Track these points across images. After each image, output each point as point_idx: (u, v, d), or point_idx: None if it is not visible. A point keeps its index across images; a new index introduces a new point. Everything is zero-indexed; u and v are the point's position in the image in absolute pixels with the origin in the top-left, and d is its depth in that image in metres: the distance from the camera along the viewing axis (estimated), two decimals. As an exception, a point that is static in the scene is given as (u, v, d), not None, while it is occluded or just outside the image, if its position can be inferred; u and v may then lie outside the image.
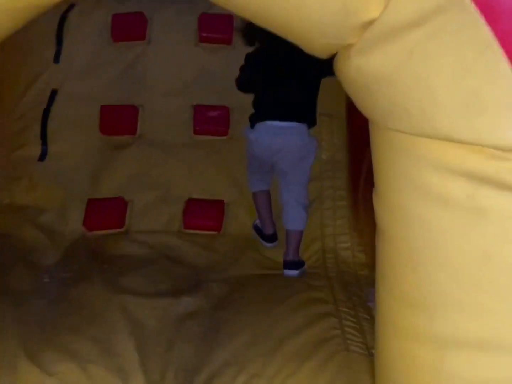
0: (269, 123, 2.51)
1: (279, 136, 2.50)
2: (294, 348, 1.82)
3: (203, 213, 2.87)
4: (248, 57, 2.61)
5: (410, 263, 0.96)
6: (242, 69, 2.64)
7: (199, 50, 3.22)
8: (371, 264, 2.57)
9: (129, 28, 3.21)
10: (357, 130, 2.82)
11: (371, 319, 2.11)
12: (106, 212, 2.85)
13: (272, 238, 2.75)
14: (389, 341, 1.05)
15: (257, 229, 2.81)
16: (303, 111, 2.56)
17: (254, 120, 2.56)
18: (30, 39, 3.22)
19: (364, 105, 0.99)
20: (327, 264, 2.57)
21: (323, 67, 2.47)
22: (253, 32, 2.49)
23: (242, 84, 2.66)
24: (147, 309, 2.09)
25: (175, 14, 3.29)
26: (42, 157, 3.03)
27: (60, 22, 3.22)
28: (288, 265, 2.55)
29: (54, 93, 3.12)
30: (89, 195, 2.91)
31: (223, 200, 2.91)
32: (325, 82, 3.07)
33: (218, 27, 3.22)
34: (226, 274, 2.50)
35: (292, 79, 2.52)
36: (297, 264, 2.56)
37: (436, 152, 0.87)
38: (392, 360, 1.04)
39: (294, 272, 2.53)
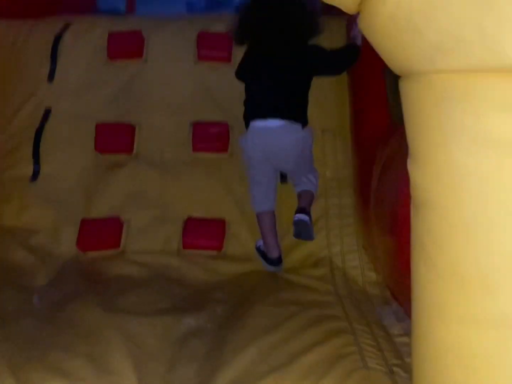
0: (260, 124, 2.52)
1: (272, 137, 2.52)
2: (307, 364, 1.65)
3: (204, 232, 2.73)
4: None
5: (465, 235, 0.82)
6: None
7: (198, 68, 3.14)
8: (383, 282, 2.45)
9: (125, 46, 3.14)
10: (363, 146, 2.74)
11: (388, 336, 1.96)
12: (101, 232, 2.71)
13: (276, 261, 2.61)
14: (433, 327, 0.91)
15: (260, 252, 2.66)
16: (293, 109, 2.56)
17: (246, 117, 2.58)
18: (24, 58, 3.15)
19: (402, 50, 0.87)
20: (337, 282, 2.41)
21: (316, 65, 2.60)
22: (243, 32, 2.65)
23: (237, 70, 2.75)
24: (146, 328, 1.93)
25: (172, 33, 3.23)
26: (34, 177, 2.91)
27: (54, 41, 3.15)
28: (301, 210, 2.50)
29: (47, 112, 3.02)
30: (83, 215, 2.77)
31: (224, 219, 2.78)
32: (327, 99, 3.03)
33: (217, 45, 3.16)
34: (229, 294, 2.34)
35: (280, 75, 2.54)
36: (309, 214, 2.51)
37: (500, 88, 0.74)
38: (440, 349, 0.89)
39: (305, 217, 2.47)
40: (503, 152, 0.77)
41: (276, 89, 2.54)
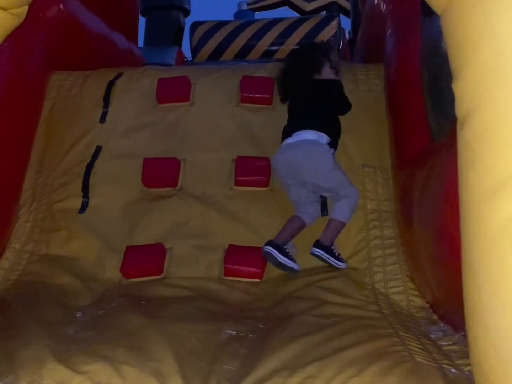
0: (284, 142, 2.85)
1: (289, 150, 2.78)
2: (353, 356, 1.60)
3: (245, 260, 2.73)
4: None
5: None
6: None
7: (241, 109, 3.30)
8: (429, 307, 2.37)
9: (173, 90, 3.33)
10: (403, 176, 2.75)
11: (436, 345, 1.88)
12: (145, 258, 2.74)
13: (271, 244, 2.63)
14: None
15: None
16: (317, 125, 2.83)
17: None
18: (79, 102, 3.37)
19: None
20: (380, 304, 2.35)
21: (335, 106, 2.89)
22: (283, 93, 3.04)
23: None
24: (187, 331, 1.92)
25: (217, 79, 3.43)
26: (83, 209, 3.01)
27: (108, 87, 3.37)
28: (316, 244, 2.63)
29: (98, 149, 3.18)
30: (127, 243, 2.83)
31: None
32: (366, 133, 3.10)
33: (259, 88, 3.31)
34: (271, 312, 2.30)
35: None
36: (326, 248, 2.62)
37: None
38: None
39: (318, 251, 2.60)
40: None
41: (300, 115, 2.91)
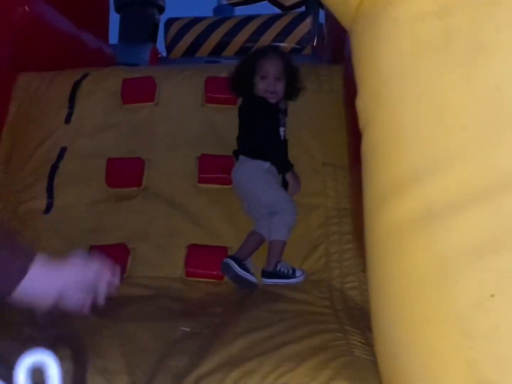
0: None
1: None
2: (293, 352, 1.68)
3: (206, 261, 2.79)
4: None
5: (397, 142, 0.89)
6: None
7: (205, 109, 3.35)
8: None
9: (138, 91, 3.38)
10: (357, 178, 2.83)
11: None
12: (108, 258, 2.78)
13: (232, 257, 2.67)
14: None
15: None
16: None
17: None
18: (44, 103, 3.40)
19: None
20: (334, 299, 2.43)
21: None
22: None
23: None
24: (142, 330, 1.97)
25: (183, 79, 3.47)
26: (48, 210, 3.05)
27: (73, 87, 3.41)
28: (262, 275, 2.66)
29: (63, 150, 3.21)
30: (92, 243, 2.88)
31: (226, 247, 2.85)
32: (326, 133, 3.18)
33: (223, 89, 3.36)
34: (229, 308, 2.37)
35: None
36: (274, 274, 2.62)
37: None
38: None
39: (268, 281, 2.61)
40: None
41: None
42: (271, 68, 2.93)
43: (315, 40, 6.71)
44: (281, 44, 6.21)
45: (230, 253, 2.84)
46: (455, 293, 0.80)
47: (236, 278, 2.61)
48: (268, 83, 2.91)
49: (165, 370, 1.70)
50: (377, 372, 1.57)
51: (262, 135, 2.87)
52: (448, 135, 0.84)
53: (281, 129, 2.98)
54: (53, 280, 1.26)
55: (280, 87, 2.94)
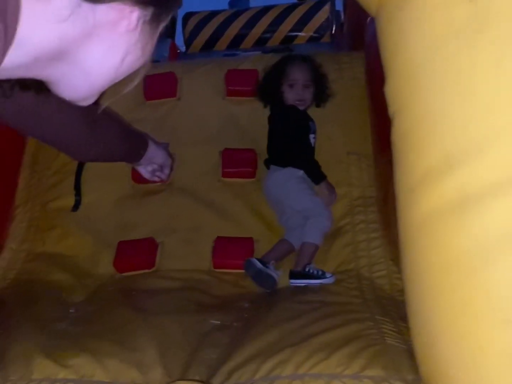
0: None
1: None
2: (324, 341, 1.68)
3: (233, 251, 2.81)
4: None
5: (428, 126, 0.88)
6: None
7: (226, 103, 3.35)
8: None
9: (160, 87, 3.39)
10: (382, 166, 2.81)
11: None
12: (137, 252, 2.83)
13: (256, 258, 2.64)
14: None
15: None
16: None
17: None
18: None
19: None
20: (363, 289, 2.42)
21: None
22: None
23: None
24: (172, 323, 2.00)
25: (203, 73, 3.48)
26: (76, 207, 3.10)
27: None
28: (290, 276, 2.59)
29: (89, 147, 3.24)
30: (120, 239, 2.91)
31: (252, 238, 2.86)
32: (350, 122, 3.15)
33: (244, 81, 3.36)
34: (257, 303, 2.38)
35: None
36: (301, 275, 2.56)
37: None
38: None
39: (294, 282, 2.54)
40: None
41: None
42: (299, 76, 2.94)
43: (333, 28, 6.65)
44: (299, 34, 6.17)
45: (256, 245, 2.85)
46: (495, 280, 0.79)
47: (258, 273, 2.56)
48: (297, 92, 2.92)
49: (198, 362, 1.72)
50: (411, 360, 1.57)
51: (292, 143, 2.86)
52: (482, 120, 0.83)
53: (311, 136, 2.97)
54: (160, 150, 2.34)
55: (308, 94, 2.95)
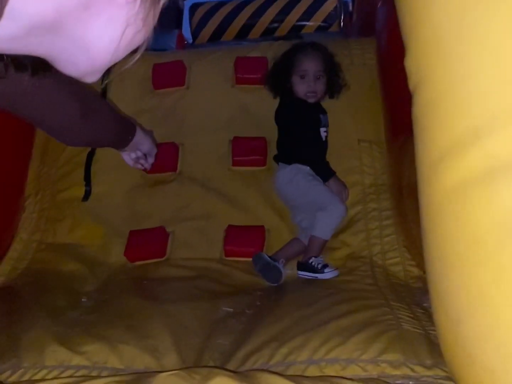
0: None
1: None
2: (340, 326, 1.66)
3: (244, 239, 2.79)
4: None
5: (452, 97, 0.84)
6: None
7: (236, 91, 3.32)
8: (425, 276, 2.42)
9: (169, 76, 3.36)
10: (396, 153, 2.78)
11: (427, 312, 1.93)
12: (148, 242, 2.82)
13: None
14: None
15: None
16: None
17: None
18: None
19: None
20: (377, 277, 2.40)
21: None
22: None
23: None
24: (184, 310, 1.99)
25: (212, 61, 3.45)
26: (86, 197, 3.08)
27: (103, 75, 3.40)
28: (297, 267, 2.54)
29: (98, 137, 3.22)
30: (131, 228, 2.90)
31: (263, 226, 2.84)
32: (361, 110, 3.12)
33: (253, 68, 3.33)
34: (270, 291, 2.37)
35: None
36: (305, 266, 2.50)
37: None
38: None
39: (301, 274, 2.49)
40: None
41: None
42: (310, 66, 2.79)
43: (342, 16, 6.60)
44: (307, 23, 6.12)
45: (267, 233, 2.83)
46: (524, 253, 0.76)
47: (265, 266, 2.50)
48: (308, 83, 2.78)
49: (212, 348, 1.70)
50: (429, 345, 1.55)
51: (299, 140, 2.77)
52: (508, 89, 0.80)
53: (322, 130, 2.86)
54: (147, 138, 2.31)
55: (320, 86, 2.82)
